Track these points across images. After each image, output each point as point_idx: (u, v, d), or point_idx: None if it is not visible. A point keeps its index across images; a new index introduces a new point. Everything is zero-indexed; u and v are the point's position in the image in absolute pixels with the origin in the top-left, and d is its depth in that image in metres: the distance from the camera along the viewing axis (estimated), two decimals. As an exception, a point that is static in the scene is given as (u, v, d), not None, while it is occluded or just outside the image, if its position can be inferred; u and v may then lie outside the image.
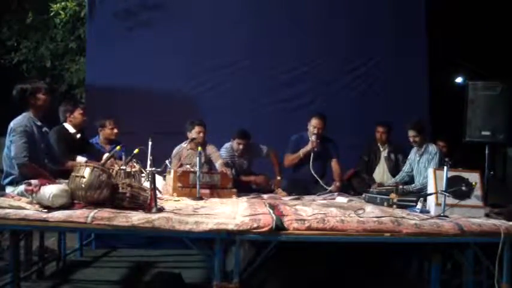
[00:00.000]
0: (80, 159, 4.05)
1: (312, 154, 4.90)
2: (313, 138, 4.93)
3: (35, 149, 3.49)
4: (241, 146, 4.99)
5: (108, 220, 2.94)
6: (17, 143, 3.43)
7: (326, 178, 4.98)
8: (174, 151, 4.87)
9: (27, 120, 3.53)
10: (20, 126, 3.47)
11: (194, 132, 4.81)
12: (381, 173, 5.20)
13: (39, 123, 3.60)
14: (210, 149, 4.90)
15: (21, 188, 3.36)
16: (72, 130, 4.27)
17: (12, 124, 3.52)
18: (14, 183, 3.49)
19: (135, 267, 4.74)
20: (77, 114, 4.29)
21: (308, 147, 4.93)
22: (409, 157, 4.81)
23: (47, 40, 7.53)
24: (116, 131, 4.91)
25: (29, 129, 3.49)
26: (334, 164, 5.06)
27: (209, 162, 4.89)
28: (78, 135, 4.33)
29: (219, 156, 4.88)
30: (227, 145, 5.10)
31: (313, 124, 4.96)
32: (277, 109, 5.83)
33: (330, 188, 4.77)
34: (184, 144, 4.86)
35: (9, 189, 3.48)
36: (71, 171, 3.31)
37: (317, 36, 5.91)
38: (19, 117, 3.57)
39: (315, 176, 4.83)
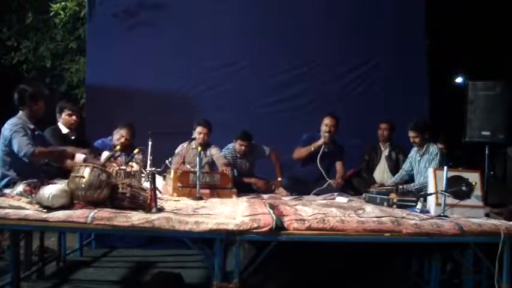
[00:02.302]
0: (79, 156, 4.05)
1: (321, 150, 4.93)
2: (325, 134, 4.95)
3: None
4: (243, 148, 5.01)
5: (108, 220, 2.94)
6: (17, 138, 3.46)
7: (330, 177, 4.97)
8: (178, 149, 4.88)
9: (22, 122, 3.55)
10: (16, 125, 3.49)
11: (196, 132, 4.83)
12: (381, 172, 5.20)
13: (32, 127, 3.61)
14: (214, 150, 4.91)
15: (20, 188, 3.36)
16: (65, 130, 4.25)
17: (6, 125, 3.53)
18: (10, 184, 3.50)
19: (135, 267, 4.74)
20: (64, 115, 4.25)
21: (320, 141, 4.96)
22: (409, 155, 4.80)
23: (47, 40, 7.52)
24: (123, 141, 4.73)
25: (24, 127, 3.51)
26: (338, 165, 5.10)
27: (212, 163, 4.89)
28: (73, 137, 4.30)
29: (222, 156, 4.89)
30: (230, 146, 5.12)
31: (326, 123, 4.99)
32: (277, 109, 5.83)
33: (330, 181, 4.80)
34: (185, 144, 4.86)
35: (6, 191, 3.48)
36: (70, 170, 3.31)
37: (317, 36, 5.90)
38: (13, 119, 3.58)
39: (321, 170, 4.85)
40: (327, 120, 5.00)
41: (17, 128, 3.49)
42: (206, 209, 3.46)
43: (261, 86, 5.89)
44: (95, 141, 4.79)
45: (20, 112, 3.65)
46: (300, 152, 5.06)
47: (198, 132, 4.83)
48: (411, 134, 4.63)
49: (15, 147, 3.45)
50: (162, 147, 4.26)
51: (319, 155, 4.92)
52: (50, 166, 3.80)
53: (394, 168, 5.11)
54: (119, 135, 4.70)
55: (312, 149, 4.98)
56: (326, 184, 4.78)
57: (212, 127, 4.92)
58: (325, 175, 4.88)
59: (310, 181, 4.93)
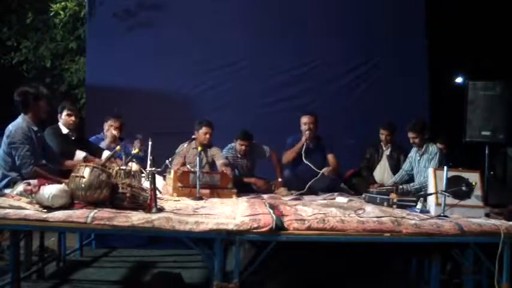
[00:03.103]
0: (79, 153, 4.04)
1: (304, 147, 4.94)
2: (306, 132, 4.97)
3: (34, 154, 3.51)
4: (243, 147, 5.01)
5: (108, 220, 2.94)
6: (20, 152, 3.47)
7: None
8: (178, 149, 4.87)
9: (25, 125, 3.55)
10: (20, 129, 3.49)
11: (201, 133, 4.82)
12: (382, 171, 5.19)
13: (35, 128, 3.61)
14: (214, 150, 4.91)
15: (20, 188, 3.36)
16: (65, 130, 4.24)
17: (11, 127, 3.53)
18: (10, 184, 3.50)
19: (135, 267, 4.74)
20: (64, 115, 4.24)
21: (302, 140, 4.98)
22: (409, 155, 4.81)
23: (47, 40, 7.53)
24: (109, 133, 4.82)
25: (29, 134, 3.51)
26: (331, 158, 5.07)
27: (212, 163, 4.89)
28: (73, 137, 4.29)
29: (221, 156, 4.89)
30: (230, 146, 5.12)
31: (304, 121, 5.01)
32: (277, 109, 5.82)
33: (323, 170, 4.81)
34: (186, 144, 4.86)
35: (7, 191, 3.48)
36: (70, 171, 3.31)
37: (317, 36, 5.90)
38: (17, 121, 3.58)
39: (310, 165, 4.83)
40: (304, 119, 5.03)
41: (23, 135, 3.49)
42: (206, 209, 3.46)
43: (261, 86, 5.89)
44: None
45: (22, 114, 3.64)
46: (288, 156, 5.06)
47: (203, 133, 4.82)
48: (411, 135, 4.64)
49: (17, 160, 3.49)
50: (162, 147, 4.27)
51: (303, 152, 4.93)
52: (50, 166, 3.80)
53: (395, 167, 5.10)
54: (107, 126, 4.79)
55: (298, 148, 4.98)
56: (319, 174, 4.77)
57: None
58: (315, 168, 4.83)
59: (307, 179, 4.91)
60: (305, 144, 4.97)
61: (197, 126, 4.86)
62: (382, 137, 5.20)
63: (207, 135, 4.82)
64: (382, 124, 5.21)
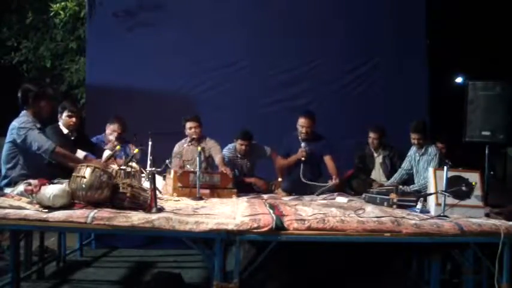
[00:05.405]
0: (80, 153, 4.05)
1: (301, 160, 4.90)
2: (302, 145, 4.90)
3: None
4: (243, 147, 5.00)
5: (108, 220, 2.95)
6: (34, 135, 3.46)
7: (323, 177, 4.95)
8: (175, 149, 4.86)
9: (30, 119, 3.55)
10: (28, 123, 3.49)
11: (187, 128, 4.81)
12: (377, 178, 5.13)
13: (38, 125, 3.61)
14: (210, 143, 4.86)
15: (20, 188, 3.36)
16: (65, 131, 4.24)
17: (16, 123, 3.52)
18: (11, 183, 3.50)
19: (135, 267, 4.74)
20: (64, 116, 4.23)
21: (298, 155, 4.91)
22: (409, 154, 4.79)
23: (47, 40, 7.53)
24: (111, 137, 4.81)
25: (37, 126, 3.52)
26: (328, 160, 5.00)
27: (210, 157, 4.85)
28: (73, 137, 4.29)
29: (219, 150, 4.86)
30: (230, 146, 5.11)
31: (300, 124, 4.95)
32: (277, 109, 5.82)
33: (328, 184, 4.73)
34: (183, 142, 4.85)
35: (7, 191, 3.48)
36: (71, 170, 3.31)
37: (317, 36, 5.90)
38: (22, 118, 3.57)
39: (305, 181, 4.78)
40: (301, 121, 4.95)
41: (30, 125, 3.49)
42: (206, 209, 3.46)
43: (261, 86, 5.88)
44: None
45: (24, 111, 3.64)
46: (282, 164, 5.05)
47: (189, 128, 4.80)
48: (415, 136, 4.62)
49: (34, 145, 3.45)
50: (162, 147, 4.27)
51: (301, 168, 4.84)
52: (51, 167, 3.80)
53: (390, 174, 5.03)
54: (110, 131, 4.73)
55: (292, 162, 4.95)
56: (326, 188, 4.70)
57: (210, 127, 4.91)
58: (307, 182, 4.78)
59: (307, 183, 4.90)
60: (302, 158, 4.88)
61: (183, 122, 4.84)
62: (370, 140, 5.15)
63: (193, 129, 4.79)
64: (371, 127, 5.17)
